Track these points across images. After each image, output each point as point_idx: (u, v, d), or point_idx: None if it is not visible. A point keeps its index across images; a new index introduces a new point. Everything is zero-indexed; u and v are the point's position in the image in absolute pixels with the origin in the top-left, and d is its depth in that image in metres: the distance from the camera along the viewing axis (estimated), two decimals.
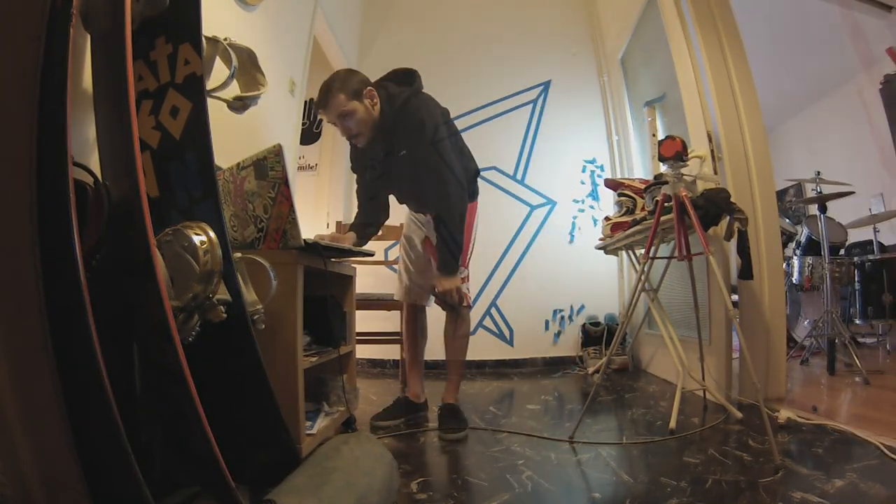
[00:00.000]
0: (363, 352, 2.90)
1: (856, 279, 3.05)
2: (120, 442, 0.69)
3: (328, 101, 1.71)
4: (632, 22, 3.12)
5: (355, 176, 2.03)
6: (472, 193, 1.92)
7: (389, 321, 2.63)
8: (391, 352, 2.99)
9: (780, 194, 5.58)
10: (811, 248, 3.41)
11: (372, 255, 1.90)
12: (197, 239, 0.91)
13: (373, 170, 1.89)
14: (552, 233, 3.58)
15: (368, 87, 1.75)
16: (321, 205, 3.58)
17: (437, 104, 1.84)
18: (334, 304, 1.59)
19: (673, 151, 1.73)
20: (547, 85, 3.73)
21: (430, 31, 3.76)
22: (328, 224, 3.46)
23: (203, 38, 1.12)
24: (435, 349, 2.05)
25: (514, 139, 3.66)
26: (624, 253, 2.88)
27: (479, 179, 1.99)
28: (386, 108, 1.76)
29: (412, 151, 1.74)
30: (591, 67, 3.77)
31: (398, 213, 2.14)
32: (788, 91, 4.98)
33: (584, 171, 3.66)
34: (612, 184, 2.77)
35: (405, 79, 1.86)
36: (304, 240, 1.30)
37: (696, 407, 1.98)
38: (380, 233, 2.08)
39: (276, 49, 2.25)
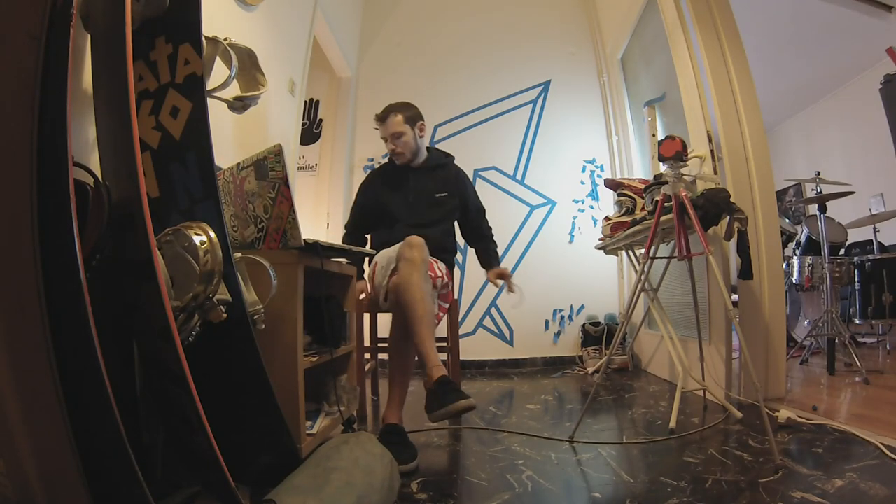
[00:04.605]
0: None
1: (856, 279, 3.05)
2: (120, 441, 0.69)
3: (388, 116, 2.04)
4: (631, 22, 3.12)
5: (354, 209, 2.25)
6: (451, 264, 2.15)
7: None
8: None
9: (780, 194, 5.58)
10: (811, 247, 3.41)
11: (373, 253, 1.90)
12: (197, 239, 0.92)
13: (405, 197, 2.10)
14: (552, 233, 3.58)
15: (421, 122, 2.11)
16: (321, 205, 3.57)
17: None
18: (334, 305, 1.59)
19: (673, 151, 1.73)
20: (547, 85, 3.74)
21: (430, 32, 3.76)
22: (328, 224, 3.45)
23: (203, 38, 1.12)
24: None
25: (513, 139, 3.66)
26: (624, 253, 2.88)
27: (478, 179, 2.02)
28: (429, 156, 2.14)
29: (464, 199, 2.19)
30: (591, 67, 3.77)
31: None
32: (788, 91, 4.98)
33: (583, 170, 3.67)
34: (611, 184, 2.77)
35: (443, 153, 2.26)
36: (305, 240, 1.30)
37: (696, 407, 1.99)
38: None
39: (276, 49, 2.25)
